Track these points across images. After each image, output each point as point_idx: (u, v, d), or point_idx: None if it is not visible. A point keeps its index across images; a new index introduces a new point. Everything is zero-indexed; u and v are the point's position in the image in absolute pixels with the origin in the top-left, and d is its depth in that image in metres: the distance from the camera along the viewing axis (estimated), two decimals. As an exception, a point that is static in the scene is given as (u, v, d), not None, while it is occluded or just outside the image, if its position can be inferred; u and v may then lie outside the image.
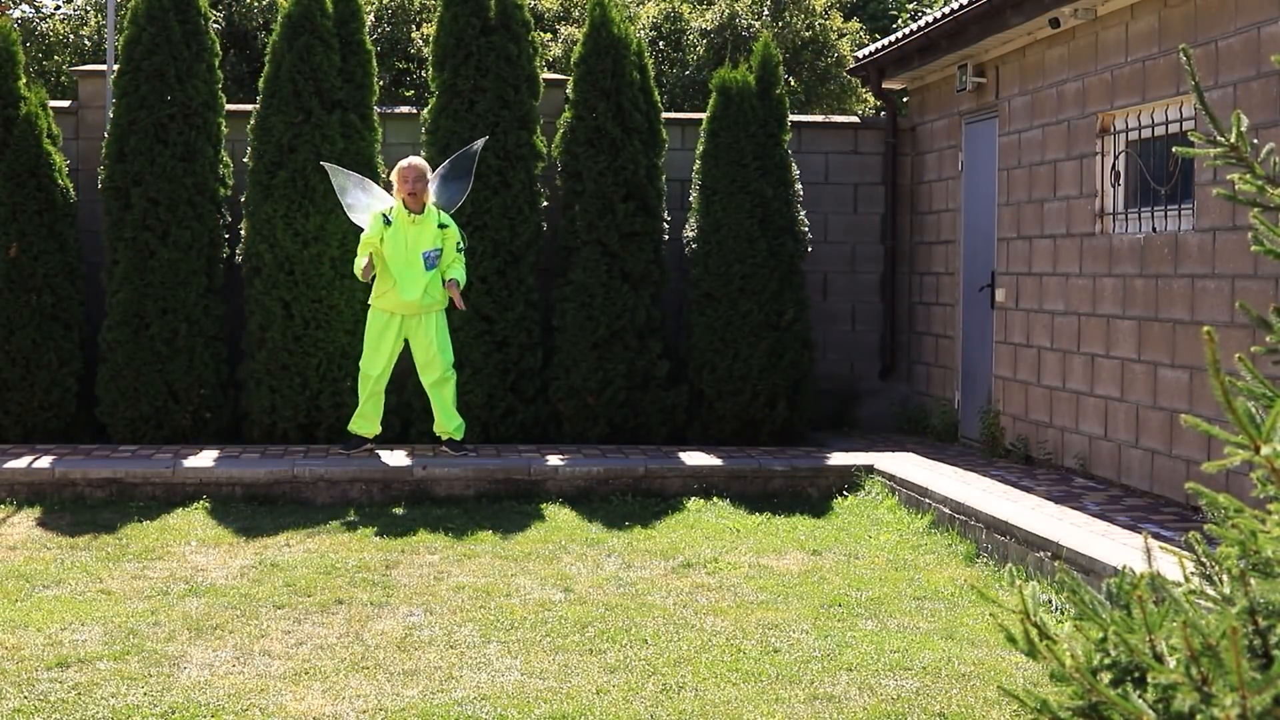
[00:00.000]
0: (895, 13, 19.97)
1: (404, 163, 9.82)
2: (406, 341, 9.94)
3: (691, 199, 11.48)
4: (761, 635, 6.36)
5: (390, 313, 9.83)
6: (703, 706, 5.36)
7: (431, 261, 9.71)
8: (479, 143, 10.34)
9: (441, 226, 9.78)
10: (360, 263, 9.73)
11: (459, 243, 9.87)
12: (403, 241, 9.69)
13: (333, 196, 10.70)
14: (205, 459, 9.91)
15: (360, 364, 10.02)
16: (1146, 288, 8.79)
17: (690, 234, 11.33)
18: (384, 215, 9.72)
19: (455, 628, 6.44)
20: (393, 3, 16.36)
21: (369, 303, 10.00)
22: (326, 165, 10.21)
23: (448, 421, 10.03)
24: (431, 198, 9.90)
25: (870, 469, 10.04)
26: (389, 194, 9.99)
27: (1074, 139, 9.74)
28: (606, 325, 10.89)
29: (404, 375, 11.30)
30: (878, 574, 7.63)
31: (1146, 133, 8.96)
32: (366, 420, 10.08)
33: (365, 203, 10.00)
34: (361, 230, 9.92)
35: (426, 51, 14.48)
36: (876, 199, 12.63)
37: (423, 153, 11.08)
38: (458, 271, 9.86)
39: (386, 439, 10.92)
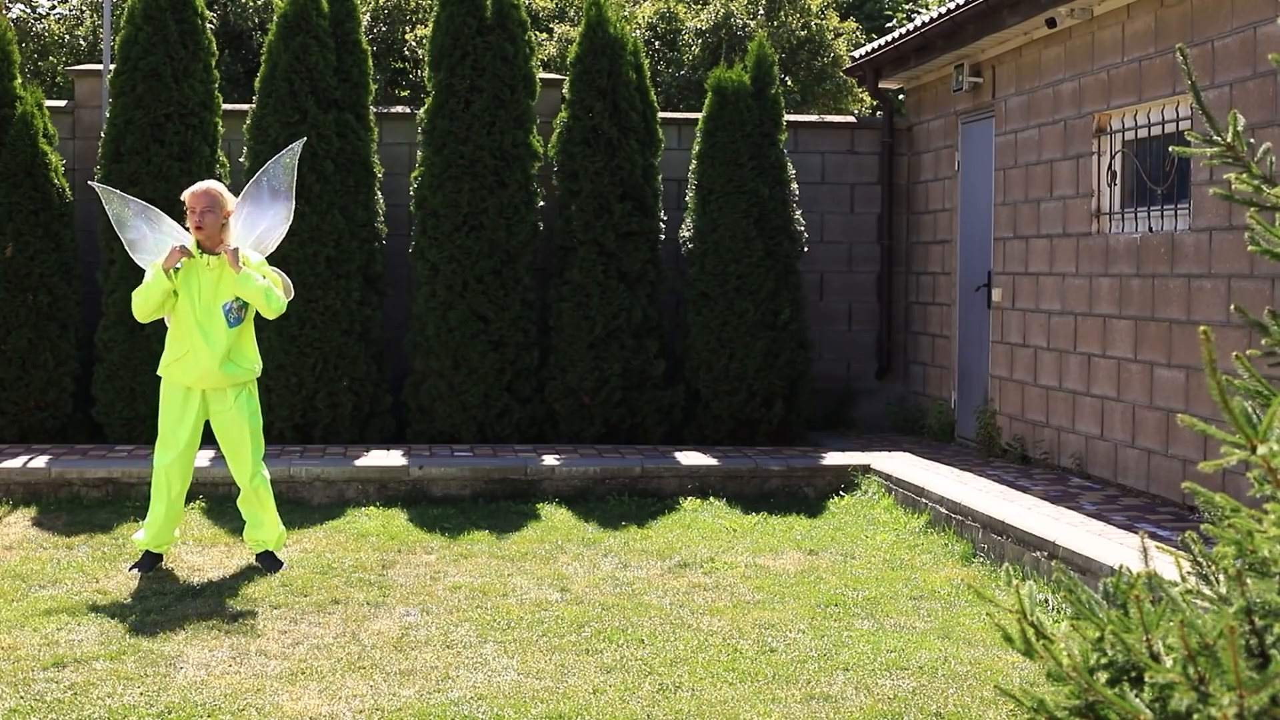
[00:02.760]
0: (891, 12, 19.98)
1: (191, 189, 7.45)
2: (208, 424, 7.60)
3: (688, 199, 11.49)
4: (758, 635, 6.36)
5: (186, 386, 7.44)
6: (699, 706, 5.36)
7: (235, 317, 7.38)
8: (295, 146, 7.86)
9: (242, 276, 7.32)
10: (148, 298, 7.37)
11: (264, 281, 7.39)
12: (195, 290, 7.32)
13: (328, 195, 10.69)
14: (201, 459, 9.88)
15: (154, 453, 7.60)
16: (1143, 288, 8.79)
17: (686, 234, 11.33)
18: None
19: (452, 627, 6.44)
20: (389, 3, 16.35)
21: (158, 372, 7.67)
22: (97, 186, 7.98)
23: (261, 531, 7.61)
24: (235, 234, 7.47)
25: (867, 469, 10.04)
26: (183, 229, 7.60)
27: (1070, 139, 9.74)
28: (603, 325, 10.89)
29: (401, 374, 11.30)
30: (874, 574, 7.63)
31: (1143, 133, 8.96)
32: (154, 530, 7.47)
33: (152, 240, 7.61)
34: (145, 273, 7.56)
35: (422, 51, 14.48)
36: (873, 199, 12.63)
37: (419, 153, 11.07)
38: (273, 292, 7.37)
39: (383, 439, 10.92)
